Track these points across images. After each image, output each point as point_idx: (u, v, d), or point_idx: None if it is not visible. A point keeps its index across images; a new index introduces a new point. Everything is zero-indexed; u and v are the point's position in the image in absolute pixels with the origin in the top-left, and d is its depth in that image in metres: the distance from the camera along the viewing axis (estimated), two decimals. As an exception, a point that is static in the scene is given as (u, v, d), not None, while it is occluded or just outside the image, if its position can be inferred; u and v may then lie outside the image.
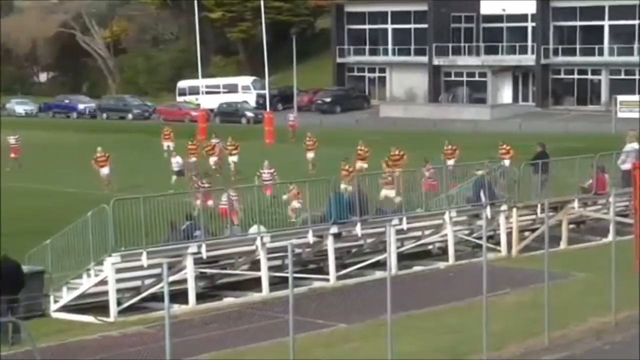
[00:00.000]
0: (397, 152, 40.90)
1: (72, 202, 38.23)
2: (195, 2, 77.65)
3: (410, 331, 19.35)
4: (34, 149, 56.19)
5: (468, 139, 61.43)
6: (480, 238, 25.05)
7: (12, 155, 52.10)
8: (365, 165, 42.43)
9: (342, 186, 29.83)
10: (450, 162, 40.18)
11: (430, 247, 29.59)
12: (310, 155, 48.59)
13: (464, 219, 29.08)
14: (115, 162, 45.09)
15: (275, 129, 66.07)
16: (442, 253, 28.73)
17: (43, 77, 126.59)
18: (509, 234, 28.94)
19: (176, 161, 45.20)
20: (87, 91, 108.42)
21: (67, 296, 23.13)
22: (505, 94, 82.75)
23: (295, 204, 30.26)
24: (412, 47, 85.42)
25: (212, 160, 48.39)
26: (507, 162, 36.16)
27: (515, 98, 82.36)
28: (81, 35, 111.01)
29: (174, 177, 43.47)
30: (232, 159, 47.89)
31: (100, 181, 43.19)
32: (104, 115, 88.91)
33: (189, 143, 49.94)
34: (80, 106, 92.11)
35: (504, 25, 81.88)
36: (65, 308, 23.09)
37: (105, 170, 43.49)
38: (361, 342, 19.35)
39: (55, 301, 23.21)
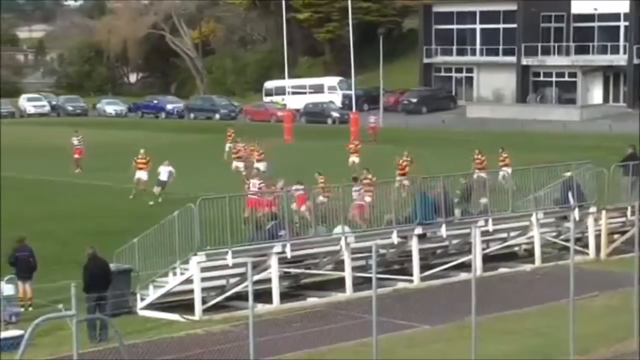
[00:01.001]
0: (406, 157, 38.90)
1: (158, 201, 38.76)
2: (283, 3, 78.02)
3: (495, 333, 19.17)
4: (121, 148, 56.92)
5: (556, 139, 60.71)
6: (567, 240, 24.66)
7: (76, 155, 50.70)
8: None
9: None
10: (481, 174, 33.16)
11: (516, 248, 29.27)
12: (353, 159, 46.99)
13: (551, 220, 28.70)
14: (198, 161, 45.09)
15: (360, 129, 66.04)
16: (529, 255, 28.39)
17: (133, 77, 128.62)
18: (598, 237, 28.49)
19: (167, 170, 40.53)
20: (175, 91, 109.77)
21: (153, 294, 23.36)
22: (596, 95, 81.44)
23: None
24: (501, 47, 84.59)
25: (235, 164, 46.57)
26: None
27: (605, 99, 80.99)
28: (170, 36, 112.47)
29: (157, 188, 39.90)
30: (258, 165, 44.70)
31: (136, 184, 41.18)
32: (192, 115, 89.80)
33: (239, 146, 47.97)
34: (169, 106, 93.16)
35: (595, 24, 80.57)
36: (152, 306, 23.32)
37: (141, 174, 41.15)
38: (445, 344, 19.22)
39: (142, 299, 23.46)
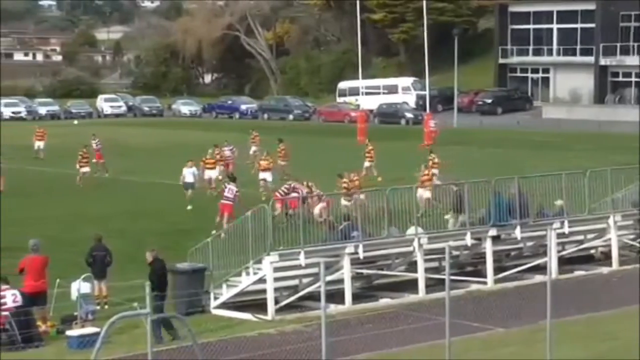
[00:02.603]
0: (353, 177, 35.24)
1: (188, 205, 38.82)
2: (358, 4, 77.96)
3: (570, 337, 18.87)
4: (194, 149, 57.20)
5: (634, 141, 59.69)
6: (645, 243, 24.24)
7: (96, 160, 49.81)
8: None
9: (343, 203, 28.26)
10: (427, 193, 31.26)
11: (592, 251, 28.83)
12: (366, 164, 45.27)
13: (629, 223, 28.20)
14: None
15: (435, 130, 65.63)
16: (606, 258, 27.94)
17: (207, 78, 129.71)
18: (677, 240, 27.91)
19: (190, 172, 39.28)
20: (249, 92, 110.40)
21: (226, 293, 23.48)
22: (676, 96, 79.98)
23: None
24: (578, 47, 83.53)
25: (214, 172, 42.49)
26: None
27: (686, 99, 79.53)
28: (245, 37, 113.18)
29: (188, 192, 38.86)
30: (264, 175, 41.07)
31: (208, 183, 41.26)
32: (265, 115, 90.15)
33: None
34: (243, 107, 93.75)
35: (677, 23, 79.16)
36: (225, 305, 23.42)
37: (211, 173, 41.16)
38: (518, 347, 18.98)
39: (215, 298, 23.60)
